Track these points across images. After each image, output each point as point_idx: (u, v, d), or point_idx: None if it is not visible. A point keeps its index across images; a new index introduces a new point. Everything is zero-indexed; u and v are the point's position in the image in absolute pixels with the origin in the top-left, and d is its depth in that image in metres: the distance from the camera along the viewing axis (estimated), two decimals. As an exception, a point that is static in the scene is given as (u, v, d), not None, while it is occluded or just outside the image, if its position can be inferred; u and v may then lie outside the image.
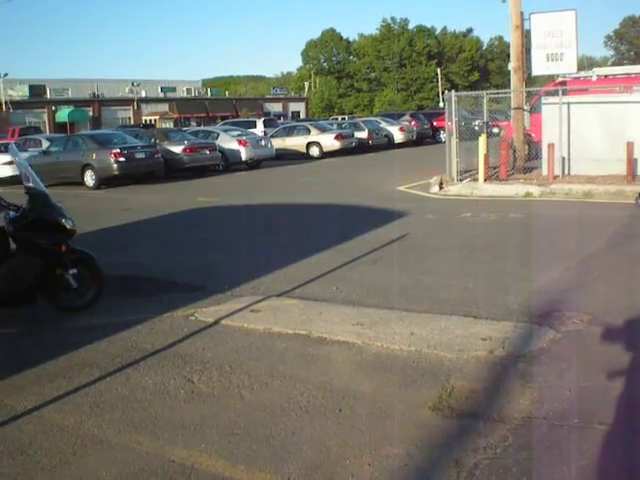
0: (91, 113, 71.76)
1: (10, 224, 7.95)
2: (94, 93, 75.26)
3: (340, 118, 61.37)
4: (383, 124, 42.49)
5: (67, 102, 70.62)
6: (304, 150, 35.93)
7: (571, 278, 8.81)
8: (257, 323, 7.41)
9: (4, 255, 7.91)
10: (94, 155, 24.58)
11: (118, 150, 24.42)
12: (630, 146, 16.59)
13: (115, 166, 24.25)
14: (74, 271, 8.09)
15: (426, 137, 44.97)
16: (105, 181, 24.62)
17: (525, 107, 21.87)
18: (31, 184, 8.05)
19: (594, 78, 23.15)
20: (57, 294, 8.10)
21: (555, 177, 18.04)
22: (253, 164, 30.73)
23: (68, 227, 8.07)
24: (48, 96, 70.35)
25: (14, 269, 7.82)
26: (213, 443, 4.75)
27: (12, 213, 8.04)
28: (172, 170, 26.50)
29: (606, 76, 23.92)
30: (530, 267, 9.35)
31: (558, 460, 4.29)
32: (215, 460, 4.53)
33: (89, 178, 24.74)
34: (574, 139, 18.36)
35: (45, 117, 68.53)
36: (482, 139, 19.11)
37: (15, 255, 7.94)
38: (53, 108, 68.79)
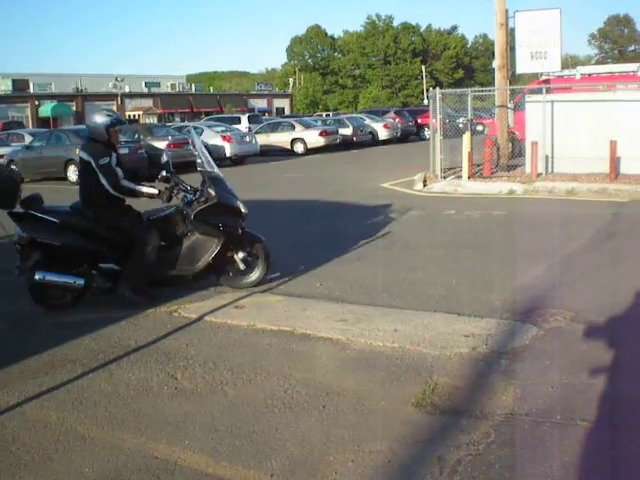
0: (74, 108, 71.23)
1: (188, 206, 8.48)
2: (77, 88, 74.74)
3: (324, 114, 61.30)
4: (367, 121, 42.51)
5: (50, 97, 70.07)
6: (288, 146, 35.92)
7: (554, 275, 8.85)
8: (241, 319, 7.41)
9: (174, 236, 8.45)
10: (77, 150, 24.35)
11: (101, 145, 24.24)
12: (613, 144, 16.69)
13: (98, 161, 24.07)
14: (244, 254, 8.60)
15: (410, 134, 45.00)
16: (88, 176, 24.46)
17: (509, 105, 21.93)
18: (208, 168, 8.60)
19: (578, 76, 23.23)
20: (224, 274, 8.65)
21: (538, 175, 18.13)
22: (237, 160, 30.64)
23: (243, 211, 8.51)
24: (31, 91, 69.82)
25: (193, 249, 8.33)
26: (196, 439, 4.74)
27: (189, 196, 8.62)
28: (155, 166, 26.37)
29: (590, 75, 24.00)
30: (513, 264, 9.39)
31: (540, 456, 4.31)
32: (198, 456, 4.52)
33: (72, 173, 24.56)
34: (557, 137, 18.45)
35: (28, 112, 67.91)
36: (466, 137, 19.17)
37: (190, 236, 8.39)
38: (36, 103, 68.25)
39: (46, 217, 7.96)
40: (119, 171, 8.25)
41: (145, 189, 8.34)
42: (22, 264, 7.90)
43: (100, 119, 8.10)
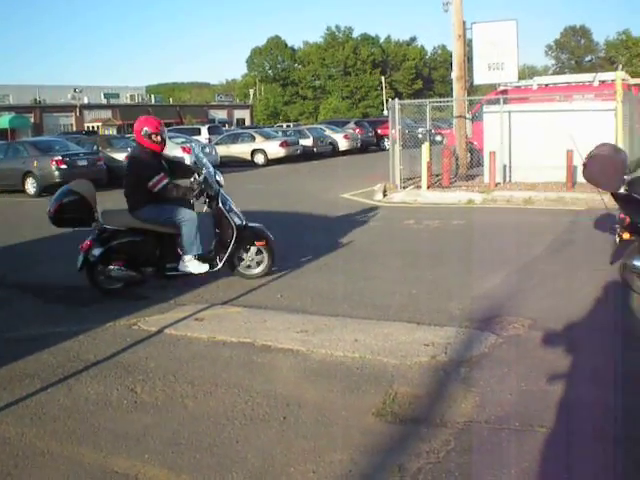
0: (32, 120, 70.46)
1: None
2: (35, 99, 73.96)
3: (285, 125, 61.39)
4: (328, 132, 42.62)
5: (8, 108, 69.23)
6: (249, 157, 35.92)
7: (512, 284, 8.95)
8: (201, 332, 7.38)
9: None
10: (35, 162, 24.18)
11: (60, 157, 24.09)
12: (570, 154, 16.92)
13: (57, 173, 23.87)
14: (254, 248, 9.66)
15: (370, 145, 45.26)
16: (47, 189, 24.11)
17: (467, 115, 22.18)
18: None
19: (535, 87, 23.59)
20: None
21: (497, 184, 18.34)
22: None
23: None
24: (-12, 102, 69.02)
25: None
26: (157, 453, 4.71)
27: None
28: (115, 177, 26.14)
29: (547, 85, 24.38)
30: (472, 273, 9.48)
31: (500, 463, 4.36)
32: (159, 470, 4.49)
33: (30, 186, 24.36)
34: (515, 147, 18.70)
35: (-15, 124, 67.10)
36: (425, 147, 19.32)
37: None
38: (-6, 114, 67.46)
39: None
40: None
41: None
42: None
43: None
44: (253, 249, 9.65)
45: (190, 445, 4.81)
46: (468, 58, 22.03)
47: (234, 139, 37.69)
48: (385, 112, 61.29)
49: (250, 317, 7.86)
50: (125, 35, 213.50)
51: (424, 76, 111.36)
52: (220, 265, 9.38)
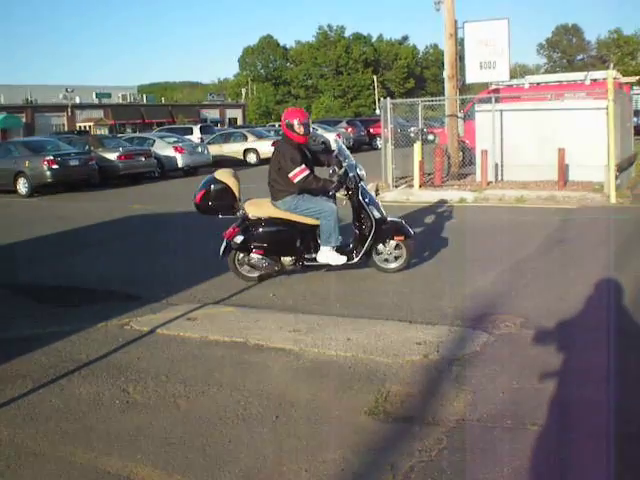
0: (24, 119, 70.24)
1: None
2: (27, 99, 73.72)
3: (277, 125, 61.29)
4: (320, 131, 42.61)
5: (-1, 108, 69.15)
6: (241, 157, 35.87)
7: (504, 282, 8.97)
8: (193, 331, 7.37)
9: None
10: (27, 162, 24.11)
11: (51, 157, 24.02)
12: (561, 152, 16.96)
13: (48, 173, 23.84)
14: (393, 242, 9.63)
15: (363, 144, 45.30)
16: (38, 189, 24.19)
17: (459, 114, 22.19)
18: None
19: (526, 86, 23.61)
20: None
21: (489, 183, 18.35)
22: (189, 171, 30.51)
23: None
24: (-20, 102, 68.79)
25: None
26: (149, 453, 4.70)
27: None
28: (107, 177, 26.19)
29: (538, 84, 24.41)
30: (464, 272, 9.49)
31: (492, 461, 4.36)
32: (151, 470, 4.49)
33: (22, 186, 24.27)
34: (507, 145, 18.71)
35: (-23, 124, 66.89)
36: (417, 146, 19.32)
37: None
38: (-15, 115, 67.23)
39: None
40: None
41: None
42: None
43: None
44: (392, 243, 9.62)
45: (182, 445, 4.80)
46: (460, 57, 22.04)
47: (226, 138, 37.64)
48: (377, 111, 61.33)
49: (242, 316, 7.85)
50: (117, 35, 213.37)
51: (416, 75, 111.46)
52: (357, 258, 9.43)
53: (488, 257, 10.34)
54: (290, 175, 8.98)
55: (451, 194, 17.85)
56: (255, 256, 9.31)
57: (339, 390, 5.62)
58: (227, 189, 9.25)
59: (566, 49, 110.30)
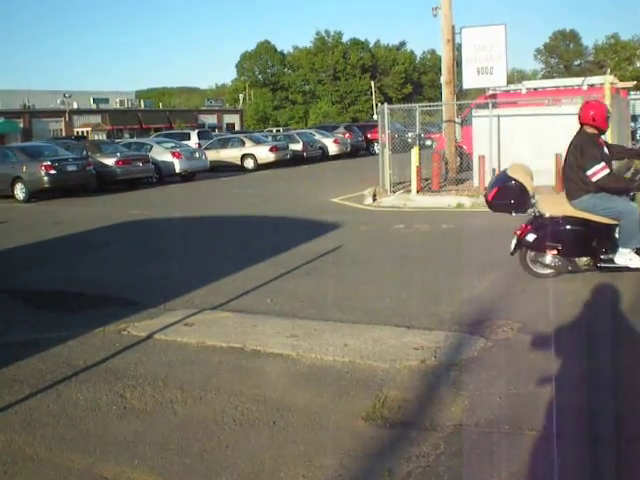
0: (22, 125, 70.26)
1: None
2: (25, 104, 73.74)
3: (275, 130, 61.43)
4: (318, 136, 42.67)
5: (-3, 113, 69.14)
6: (239, 162, 35.87)
7: (501, 287, 8.98)
8: (190, 337, 7.36)
9: None
10: (24, 167, 24.10)
11: (49, 162, 24.00)
12: (558, 157, 16.90)
13: (46, 179, 23.82)
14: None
15: (360, 149, 45.33)
16: (36, 194, 24.16)
17: (456, 120, 22.22)
18: None
19: (524, 91, 23.67)
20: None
21: (486, 188, 18.32)
22: (187, 176, 30.52)
23: None
24: (-23, 107, 68.76)
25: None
26: (146, 459, 4.70)
27: None
28: (105, 182, 26.17)
29: (535, 89, 24.47)
30: (461, 277, 9.50)
31: (489, 467, 4.36)
32: (148, 476, 4.48)
33: (19, 191, 24.26)
34: (504, 151, 18.71)
35: (-26, 129, 66.89)
36: (414, 151, 19.35)
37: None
38: (-17, 120, 67.25)
39: None
40: None
41: None
42: None
43: None
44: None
45: (180, 450, 4.80)
46: (457, 62, 22.08)
47: (224, 144, 37.66)
48: (375, 116, 61.45)
49: (240, 322, 7.85)
50: (114, 40, 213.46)
51: (413, 80, 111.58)
52: None
53: (486, 262, 10.33)
54: (589, 173, 8.59)
55: (449, 199, 17.87)
56: (548, 255, 9.00)
57: (336, 395, 5.62)
58: (520, 186, 9.06)
59: (563, 54, 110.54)
